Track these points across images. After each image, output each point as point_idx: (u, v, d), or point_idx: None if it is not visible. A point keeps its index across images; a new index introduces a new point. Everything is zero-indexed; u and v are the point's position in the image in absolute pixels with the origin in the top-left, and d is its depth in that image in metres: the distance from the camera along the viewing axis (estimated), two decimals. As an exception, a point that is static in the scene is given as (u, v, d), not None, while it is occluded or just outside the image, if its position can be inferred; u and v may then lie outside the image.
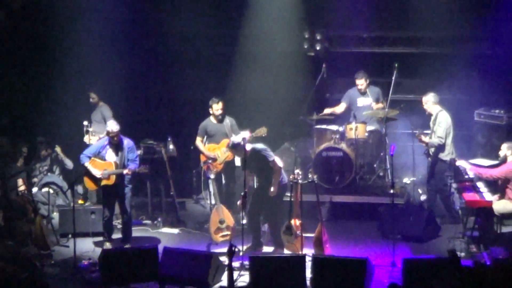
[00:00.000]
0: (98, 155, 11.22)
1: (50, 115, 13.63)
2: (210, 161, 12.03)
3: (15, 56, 13.81)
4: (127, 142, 11.28)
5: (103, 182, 11.17)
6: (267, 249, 10.98)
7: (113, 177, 11.15)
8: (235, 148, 10.86)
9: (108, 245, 11.36)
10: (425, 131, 12.13)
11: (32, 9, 13.88)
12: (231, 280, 9.16)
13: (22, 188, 11.91)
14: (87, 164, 11.19)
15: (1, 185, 12.06)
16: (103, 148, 11.25)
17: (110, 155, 11.22)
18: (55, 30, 13.87)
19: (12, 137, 13.21)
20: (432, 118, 11.99)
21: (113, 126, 11.15)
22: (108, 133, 11.17)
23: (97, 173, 11.13)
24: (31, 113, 13.98)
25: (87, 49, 13.72)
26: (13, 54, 13.78)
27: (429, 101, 12.00)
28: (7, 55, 13.72)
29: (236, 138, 10.90)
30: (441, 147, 11.80)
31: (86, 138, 12.71)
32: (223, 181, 12.43)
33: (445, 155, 11.84)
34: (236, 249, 9.79)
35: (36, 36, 13.94)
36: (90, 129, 12.71)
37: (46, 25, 13.93)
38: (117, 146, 11.21)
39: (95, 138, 12.55)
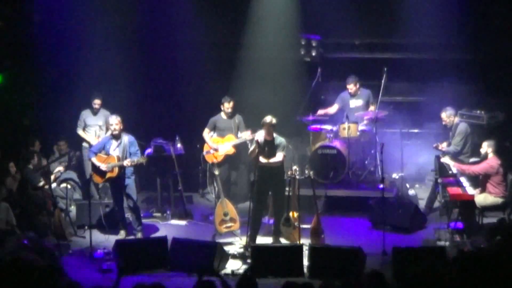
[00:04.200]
0: (103, 150, 11.29)
1: (66, 116, 13.60)
2: (212, 151, 12.11)
3: (34, 60, 13.78)
4: (128, 137, 11.32)
5: (108, 175, 11.24)
6: (266, 239, 10.99)
7: (116, 170, 11.20)
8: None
9: (122, 233, 11.40)
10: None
11: (48, 18, 13.85)
12: None
13: (42, 183, 11.89)
14: (93, 159, 11.26)
15: (21, 181, 12.07)
16: (107, 143, 11.33)
17: (113, 150, 11.28)
18: (72, 36, 13.85)
19: (30, 137, 13.18)
20: (453, 128, 12.10)
21: (114, 119, 11.25)
22: (110, 126, 11.27)
23: (102, 166, 11.18)
24: (49, 114, 13.96)
25: (102, 55, 13.69)
26: (31, 58, 13.76)
27: (451, 115, 12.09)
28: (26, 59, 13.70)
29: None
30: (459, 152, 11.87)
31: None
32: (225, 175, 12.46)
33: (466, 157, 11.93)
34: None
35: (54, 43, 13.91)
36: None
37: (63, 32, 13.90)
38: (119, 141, 11.26)
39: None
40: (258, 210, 10.74)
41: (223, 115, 12.34)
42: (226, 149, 12.18)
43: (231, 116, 12.31)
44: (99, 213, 11.74)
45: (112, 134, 11.31)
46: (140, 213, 11.66)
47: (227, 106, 12.27)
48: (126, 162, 11.13)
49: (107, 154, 11.25)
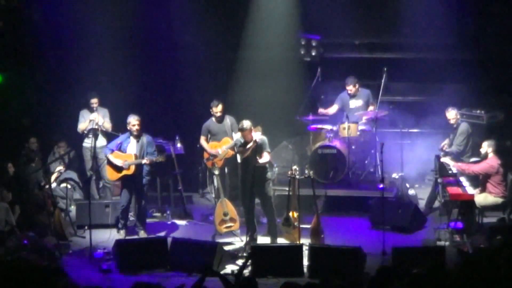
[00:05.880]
0: (120, 148, 11.32)
1: (66, 116, 13.60)
2: (211, 157, 12.08)
3: (36, 60, 13.78)
4: (146, 137, 11.40)
5: (123, 172, 11.27)
6: (266, 239, 10.97)
7: (133, 168, 11.25)
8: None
9: (122, 233, 11.40)
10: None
11: (51, 20, 13.85)
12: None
13: (42, 183, 11.90)
14: (110, 156, 11.27)
15: (22, 182, 12.08)
16: (125, 141, 11.36)
17: (131, 148, 11.33)
18: (71, 37, 13.85)
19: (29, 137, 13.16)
20: (454, 128, 12.10)
21: (135, 119, 11.27)
22: (132, 126, 11.26)
23: (119, 162, 11.20)
24: (49, 114, 13.96)
25: (102, 55, 13.68)
26: (33, 58, 13.76)
27: (458, 113, 12.12)
28: (28, 58, 13.69)
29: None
30: (461, 152, 11.86)
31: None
32: (226, 176, 12.45)
33: (467, 157, 11.92)
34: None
35: (54, 43, 13.91)
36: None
37: (63, 32, 13.89)
38: (137, 140, 11.30)
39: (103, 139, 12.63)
40: (248, 210, 10.76)
41: (213, 119, 12.29)
42: (225, 152, 12.14)
43: (221, 119, 12.24)
44: (101, 213, 11.76)
45: (131, 133, 11.32)
46: (146, 214, 11.71)
47: (216, 110, 12.18)
48: (145, 160, 11.18)
49: (124, 152, 11.28)
